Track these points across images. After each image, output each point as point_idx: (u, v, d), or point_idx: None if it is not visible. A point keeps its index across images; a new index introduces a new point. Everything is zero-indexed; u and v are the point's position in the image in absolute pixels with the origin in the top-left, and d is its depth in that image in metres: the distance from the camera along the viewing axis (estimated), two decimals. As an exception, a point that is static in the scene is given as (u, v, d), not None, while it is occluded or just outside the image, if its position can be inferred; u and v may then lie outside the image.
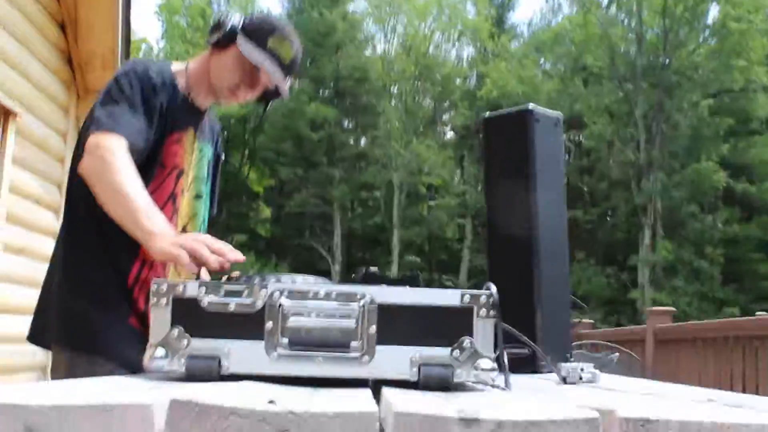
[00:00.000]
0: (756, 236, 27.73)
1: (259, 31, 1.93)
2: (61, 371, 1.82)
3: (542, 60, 32.30)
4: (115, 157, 1.68)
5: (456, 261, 33.40)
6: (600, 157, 30.33)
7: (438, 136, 34.99)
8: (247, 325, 1.29)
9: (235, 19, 1.94)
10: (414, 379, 1.29)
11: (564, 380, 1.68)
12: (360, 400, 0.94)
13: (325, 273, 26.22)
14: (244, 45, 1.91)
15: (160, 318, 1.29)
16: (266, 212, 35.71)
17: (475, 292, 1.34)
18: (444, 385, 1.29)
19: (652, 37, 27.83)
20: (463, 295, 1.32)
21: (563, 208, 2.45)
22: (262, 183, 34.79)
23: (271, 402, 0.78)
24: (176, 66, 1.98)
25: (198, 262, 1.48)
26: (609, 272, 28.90)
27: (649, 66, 27.32)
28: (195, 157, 1.99)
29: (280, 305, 1.29)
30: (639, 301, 25.56)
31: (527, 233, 2.30)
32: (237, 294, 1.30)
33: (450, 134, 36.12)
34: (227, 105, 2.04)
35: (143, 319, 1.82)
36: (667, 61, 26.80)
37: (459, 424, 0.77)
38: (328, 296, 1.30)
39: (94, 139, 1.73)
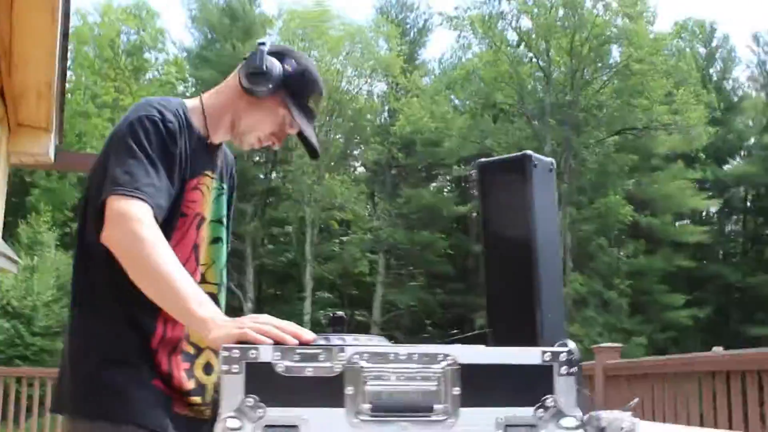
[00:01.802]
0: (660, 268, 28.76)
1: (302, 88, 1.85)
2: None
3: (453, 96, 32.87)
4: (145, 231, 1.56)
5: (369, 296, 33.37)
6: (511, 192, 30.94)
7: (350, 172, 35.09)
8: (326, 390, 1.23)
9: (277, 67, 1.83)
10: (500, 441, 1.26)
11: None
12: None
13: (237, 310, 25.76)
14: (290, 104, 1.83)
15: (231, 385, 1.22)
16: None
17: (554, 349, 1.31)
18: (532, 446, 1.26)
19: (559, 76, 28.73)
20: (543, 353, 1.30)
21: (558, 252, 2.47)
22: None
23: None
24: (190, 103, 1.87)
25: None
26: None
27: (556, 104, 28.15)
28: (212, 199, 1.90)
29: (360, 368, 1.24)
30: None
31: (529, 277, 2.30)
32: (314, 358, 1.24)
33: (361, 169, 36.28)
34: (243, 148, 1.95)
35: (167, 381, 1.71)
36: (574, 99, 27.68)
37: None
38: (409, 358, 1.26)
39: (117, 204, 1.59)
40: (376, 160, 33.62)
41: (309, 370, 1.24)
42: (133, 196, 1.59)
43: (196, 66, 29.95)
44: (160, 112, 1.72)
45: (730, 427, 3.92)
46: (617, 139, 28.18)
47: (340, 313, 1.95)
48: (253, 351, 1.23)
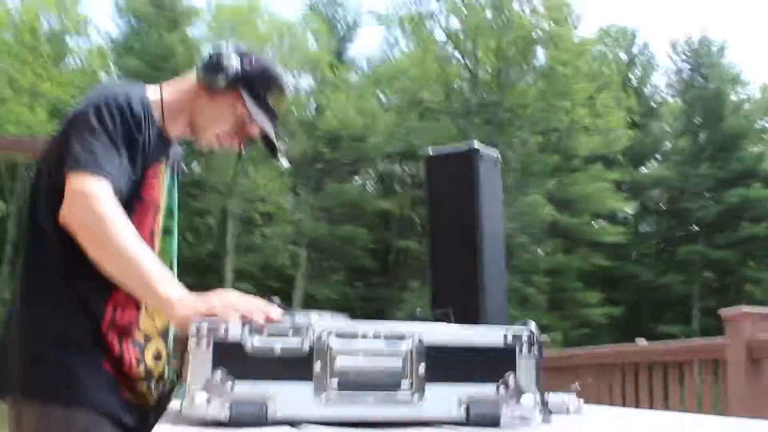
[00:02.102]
0: (577, 266, 29.48)
1: (261, 83, 1.84)
2: (30, 428, 1.64)
3: (380, 93, 32.97)
4: (105, 209, 1.53)
5: (289, 289, 33.24)
6: (435, 189, 31.24)
7: (274, 164, 34.83)
8: (294, 367, 1.24)
9: (235, 62, 1.82)
10: (463, 417, 1.29)
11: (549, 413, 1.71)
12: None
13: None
14: (246, 99, 1.82)
15: (200, 361, 1.22)
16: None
17: (517, 329, 1.35)
18: (494, 422, 1.30)
19: (486, 76, 29.10)
20: (506, 334, 1.34)
21: (502, 242, 2.53)
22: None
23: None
24: (150, 92, 1.84)
25: None
26: (419, 311, 29.64)
27: (482, 103, 28.52)
28: (165, 190, 1.87)
29: (328, 346, 1.25)
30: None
31: (473, 265, 2.35)
32: (283, 335, 1.25)
33: (285, 163, 36.06)
34: (202, 146, 1.93)
35: (117, 364, 1.69)
36: (500, 99, 28.08)
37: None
38: (376, 336, 1.28)
39: (78, 182, 1.56)
40: (301, 153, 33.47)
41: (278, 348, 1.24)
42: (94, 174, 1.56)
43: (121, 55, 29.24)
44: (126, 98, 1.70)
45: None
46: (540, 139, 28.72)
47: (276, 298, 1.96)
48: (222, 327, 1.23)
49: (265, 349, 1.24)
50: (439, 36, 29.98)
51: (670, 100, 35.68)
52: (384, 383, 1.27)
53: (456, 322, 2.16)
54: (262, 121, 1.85)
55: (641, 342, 4.78)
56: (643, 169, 34.73)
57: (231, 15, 29.10)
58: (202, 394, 1.21)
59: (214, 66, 1.82)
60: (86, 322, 1.67)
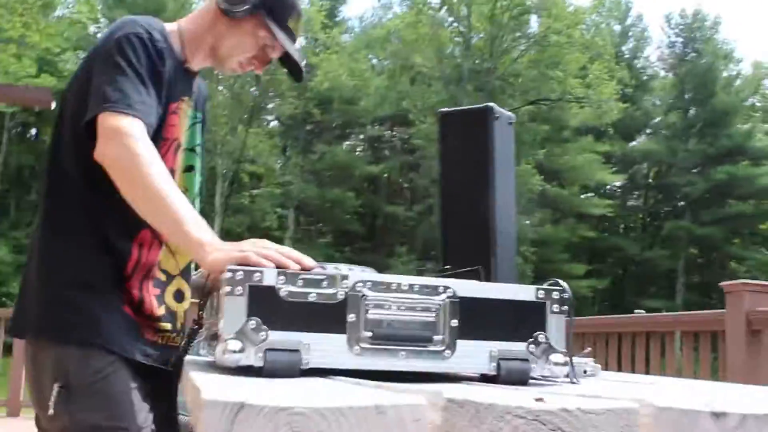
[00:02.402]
0: (564, 237, 29.63)
1: (281, 8, 1.82)
2: (46, 367, 1.63)
3: (372, 56, 32.76)
4: (140, 148, 1.51)
5: (278, 251, 33.30)
6: (425, 155, 31.24)
7: (263, 125, 34.66)
8: (328, 316, 1.23)
9: None
10: (493, 373, 1.29)
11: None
12: (617, 397, 0.92)
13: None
14: (270, 23, 1.80)
15: (233, 308, 1.20)
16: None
17: (547, 287, 1.35)
18: (523, 379, 1.29)
19: (479, 42, 28.96)
20: (537, 290, 1.33)
21: (514, 202, 2.53)
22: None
23: (539, 400, 0.75)
24: (168, 27, 1.81)
25: None
26: (429, 267, 29.84)
27: (474, 69, 28.41)
28: (187, 126, 1.85)
29: (363, 296, 1.24)
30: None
31: (485, 225, 2.35)
32: (317, 284, 1.24)
33: (274, 123, 35.88)
34: (225, 73, 1.91)
35: (137, 307, 1.68)
36: (492, 66, 27.97)
37: (711, 417, 0.78)
38: (411, 288, 1.27)
39: (110, 120, 1.54)
40: (291, 115, 33.30)
41: (312, 295, 1.23)
42: (126, 113, 1.54)
43: (110, 6, 28.86)
44: (147, 31, 1.67)
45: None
46: (531, 108, 28.68)
47: None
48: (257, 274, 1.22)
49: (300, 294, 1.23)
50: (433, 0, 29.77)
51: (662, 74, 35.67)
52: (416, 336, 1.27)
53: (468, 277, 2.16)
54: (287, 45, 1.83)
55: (639, 313, 4.82)
56: (633, 143, 34.79)
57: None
58: (236, 342, 1.19)
59: None
60: (110, 263, 1.65)
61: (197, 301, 1.54)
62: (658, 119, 34.73)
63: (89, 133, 1.57)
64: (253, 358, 1.19)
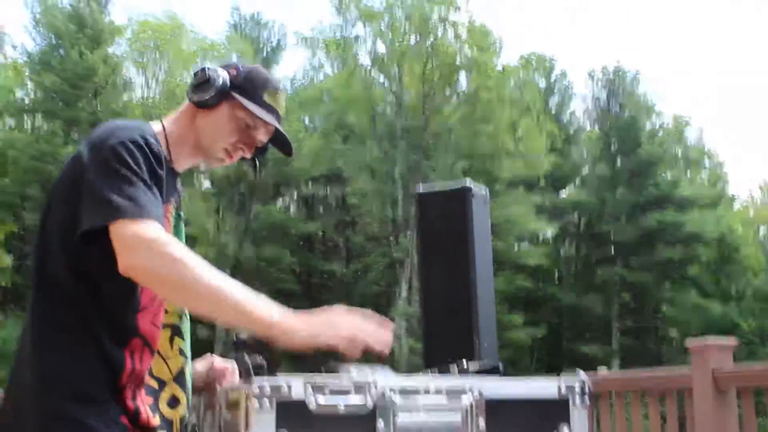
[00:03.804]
0: (502, 289, 29.83)
1: (252, 85, 1.83)
2: None
3: (305, 116, 32.88)
4: (180, 252, 1.50)
5: (213, 314, 32.73)
6: (361, 213, 31.31)
7: (195, 186, 34.35)
8: (357, 425, 1.21)
9: (221, 73, 1.81)
10: (523, 473, 1.28)
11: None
12: None
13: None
14: (244, 101, 1.79)
15: (263, 423, 1.18)
16: (6, 261, 32.85)
17: (570, 381, 1.35)
18: (553, 478, 1.29)
19: (411, 101, 29.37)
20: (560, 386, 1.33)
21: (492, 275, 2.55)
22: (3, 229, 32.01)
23: None
24: (154, 126, 1.79)
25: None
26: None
27: (407, 127, 28.74)
28: (173, 228, 1.81)
29: (392, 403, 1.22)
30: (396, 352, 26.42)
31: (467, 305, 2.36)
32: (345, 393, 1.22)
33: (207, 184, 35.62)
34: (215, 167, 1.89)
35: (134, 418, 1.61)
36: (424, 124, 28.36)
37: None
38: (438, 391, 1.26)
39: (129, 229, 1.50)
40: (224, 176, 33.08)
41: (341, 406, 1.21)
42: (143, 219, 1.51)
43: (38, 72, 28.39)
44: (142, 134, 1.64)
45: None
46: (464, 164, 29.08)
47: (243, 336, 1.92)
48: (284, 386, 1.20)
49: (329, 407, 1.20)
50: (365, 60, 30.19)
51: (588, 127, 36.68)
52: (446, 440, 1.25)
53: (451, 357, 2.16)
54: (265, 117, 1.82)
55: (601, 371, 4.86)
56: (563, 194, 35.53)
57: (154, 33, 28.66)
58: (266, 457, 1.16)
59: (202, 82, 1.80)
60: (106, 372, 1.59)
61: (204, 405, 1.50)
62: (586, 170, 35.58)
63: (87, 241, 1.53)
64: (285, 474, 1.16)
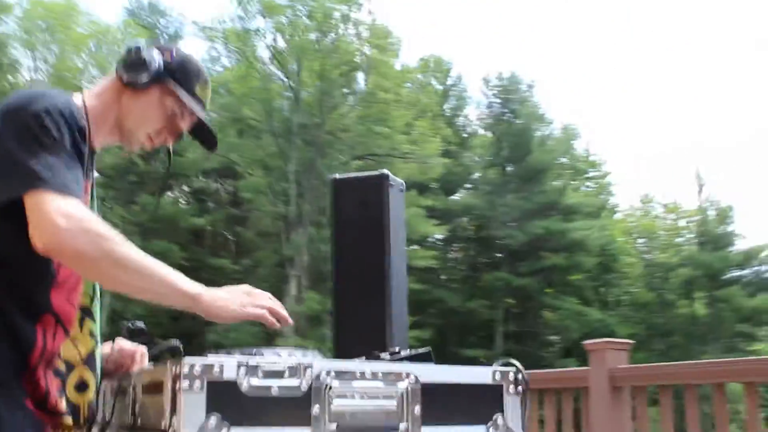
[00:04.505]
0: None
1: (186, 75, 1.76)
2: None
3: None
4: (99, 228, 1.43)
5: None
6: (252, 208, 30.91)
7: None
8: (290, 409, 1.16)
9: (157, 56, 1.72)
10: (457, 461, 1.25)
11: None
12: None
13: None
14: (178, 90, 1.72)
15: (193, 404, 1.11)
16: None
17: (504, 369, 1.34)
18: (487, 464, 1.27)
19: (308, 97, 29.22)
20: (494, 373, 1.32)
21: (405, 264, 2.55)
22: None
23: None
24: (75, 100, 1.68)
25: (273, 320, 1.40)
26: (254, 322, 29.28)
27: (303, 124, 28.58)
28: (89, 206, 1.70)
29: (328, 387, 1.17)
30: (284, 349, 26.18)
31: (381, 291, 2.34)
32: (279, 375, 1.16)
33: (96, 174, 34.51)
34: (132, 150, 1.79)
35: (41, 402, 1.50)
36: (321, 121, 28.27)
37: None
38: (374, 376, 1.22)
39: (54, 203, 1.40)
40: (113, 165, 32.07)
41: (275, 389, 1.16)
42: (63, 193, 1.41)
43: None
44: (66, 105, 1.54)
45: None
46: (360, 163, 29.15)
47: (140, 323, 1.85)
48: (216, 367, 1.13)
49: (262, 389, 1.15)
50: (263, 53, 29.85)
51: (481, 132, 37.41)
52: (382, 426, 1.22)
53: (362, 346, 2.13)
54: (196, 110, 1.76)
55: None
56: (454, 197, 36.10)
57: (45, 13, 27.51)
58: (195, 442, 1.10)
59: (136, 62, 1.73)
60: (14, 352, 1.47)
61: (113, 390, 1.43)
62: (477, 175, 36.27)
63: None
64: (214, 459, 1.10)
